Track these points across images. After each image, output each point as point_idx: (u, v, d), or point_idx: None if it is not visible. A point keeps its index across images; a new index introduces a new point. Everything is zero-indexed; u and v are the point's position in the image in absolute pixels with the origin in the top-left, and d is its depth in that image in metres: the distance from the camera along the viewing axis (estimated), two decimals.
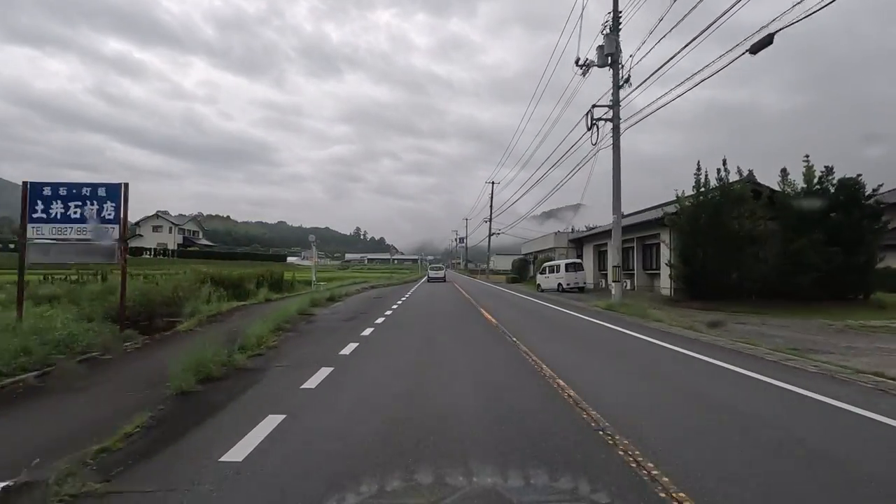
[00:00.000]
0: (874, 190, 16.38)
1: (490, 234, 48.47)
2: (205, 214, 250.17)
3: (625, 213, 18.80)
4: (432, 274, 41.04)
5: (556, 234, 31.04)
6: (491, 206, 48.50)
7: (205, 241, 73.91)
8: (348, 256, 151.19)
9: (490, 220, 48.56)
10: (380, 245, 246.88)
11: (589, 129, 15.81)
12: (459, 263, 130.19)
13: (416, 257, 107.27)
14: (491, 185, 48.02)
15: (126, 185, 7.76)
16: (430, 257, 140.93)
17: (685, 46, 11.62)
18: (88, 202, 7.55)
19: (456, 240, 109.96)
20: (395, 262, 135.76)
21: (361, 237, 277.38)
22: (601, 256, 28.10)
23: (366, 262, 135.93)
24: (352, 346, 7.44)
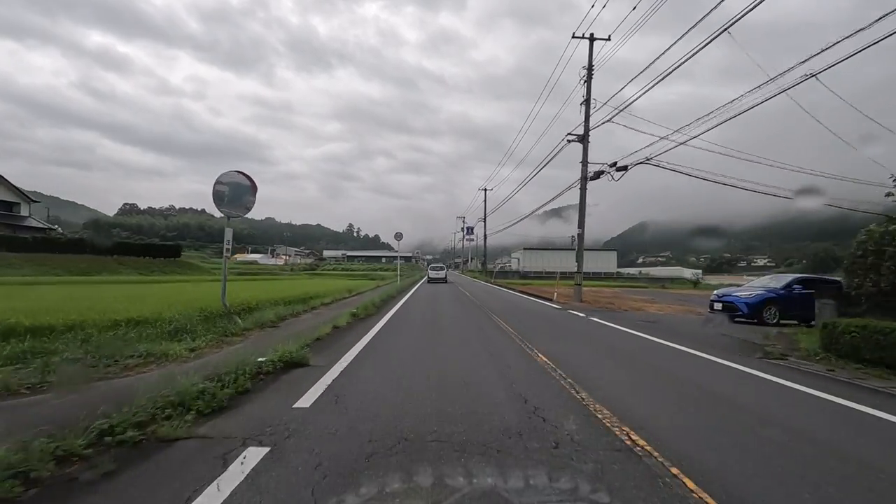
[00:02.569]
0: None
1: (586, 180, 17.32)
2: (177, 208, 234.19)
3: None
4: (433, 274, 40.79)
5: None
6: (588, 94, 17.42)
7: (37, 223, 42.55)
8: (327, 254, 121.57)
9: (585, 135, 17.55)
10: (373, 243, 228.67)
11: None
12: (467, 262, 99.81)
13: (408, 255, 77.11)
14: (587, 62, 16.75)
15: None
16: (428, 256, 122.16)
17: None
18: None
19: (463, 229, 79.77)
20: (384, 259, 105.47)
21: (354, 234, 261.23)
22: None
23: (345, 259, 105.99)
24: None
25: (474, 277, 56.50)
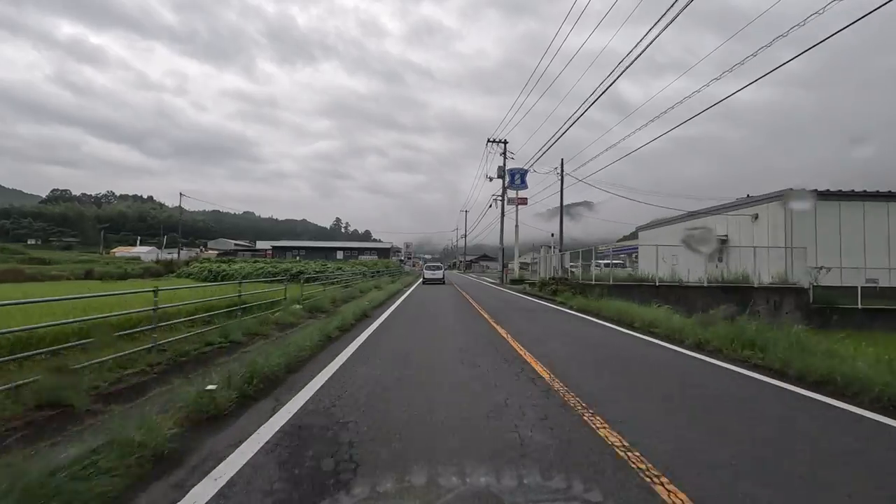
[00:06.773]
0: None
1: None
2: (118, 194, 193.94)
3: None
4: (428, 274, 38.61)
5: None
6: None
7: None
8: (260, 245, 77.67)
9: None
10: (364, 238, 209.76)
11: None
12: (495, 262, 54.02)
13: (387, 245, 28.95)
14: None
15: None
16: (427, 256, 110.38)
17: None
18: None
19: (503, 175, 28.13)
20: (341, 253, 60.84)
21: (343, 230, 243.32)
22: None
23: (267, 254, 61.60)
24: None
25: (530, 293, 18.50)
